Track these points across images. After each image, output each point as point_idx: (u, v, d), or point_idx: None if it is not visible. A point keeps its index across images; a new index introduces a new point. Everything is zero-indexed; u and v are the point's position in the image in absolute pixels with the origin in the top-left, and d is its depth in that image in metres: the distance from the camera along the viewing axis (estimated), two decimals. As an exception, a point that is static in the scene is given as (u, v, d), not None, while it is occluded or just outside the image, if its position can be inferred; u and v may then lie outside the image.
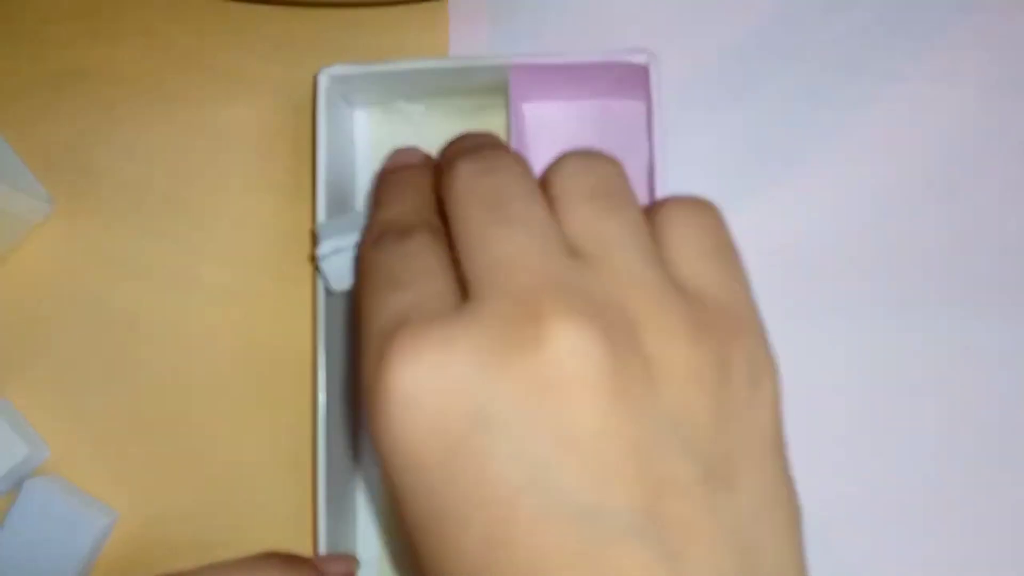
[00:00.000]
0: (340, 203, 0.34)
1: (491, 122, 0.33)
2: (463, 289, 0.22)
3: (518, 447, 0.19)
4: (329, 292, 0.32)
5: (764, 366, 0.22)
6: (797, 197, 0.35)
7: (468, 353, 0.20)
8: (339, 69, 0.32)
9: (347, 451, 0.34)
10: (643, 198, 0.34)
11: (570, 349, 0.19)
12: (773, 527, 0.21)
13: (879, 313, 0.34)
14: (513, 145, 0.32)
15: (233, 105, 0.37)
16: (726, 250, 0.23)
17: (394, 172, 0.29)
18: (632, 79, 0.32)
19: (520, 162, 0.23)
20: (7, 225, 0.35)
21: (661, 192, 0.31)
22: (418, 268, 0.23)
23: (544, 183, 0.23)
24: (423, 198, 0.26)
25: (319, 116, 0.32)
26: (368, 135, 0.36)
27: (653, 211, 0.23)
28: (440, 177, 0.24)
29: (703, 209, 0.23)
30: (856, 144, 0.35)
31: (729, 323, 0.21)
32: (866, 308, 0.34)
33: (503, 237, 0.21)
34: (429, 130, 0.35)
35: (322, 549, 0.31)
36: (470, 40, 0.36)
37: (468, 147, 0.24)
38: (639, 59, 0.31)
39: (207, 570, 0.27)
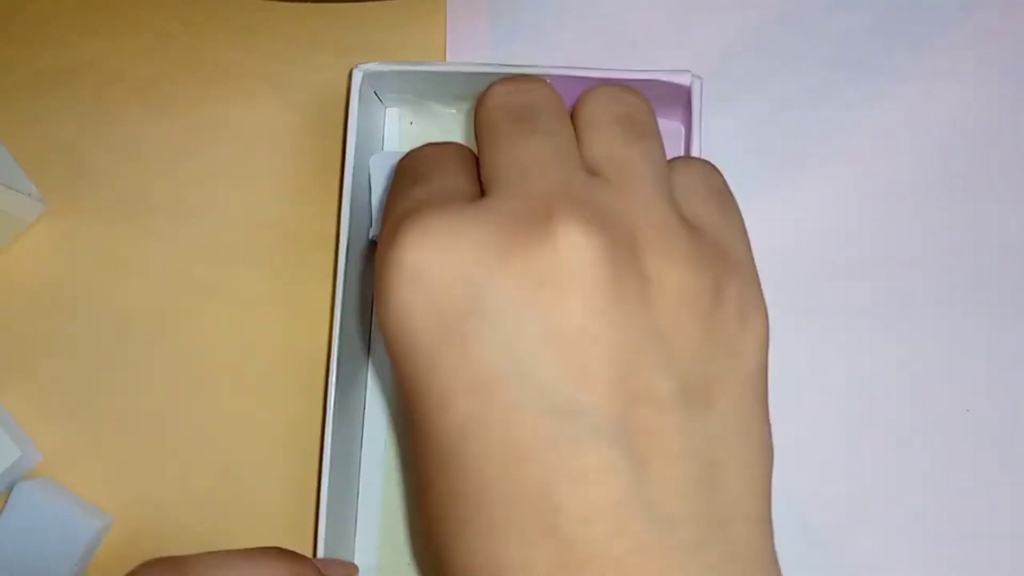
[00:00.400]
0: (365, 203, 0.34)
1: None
2: (483, 194, 0.23)
3: (506, 336, 0.20)
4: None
5: (755, 307, 0.23)
6: (797, 196, 0.35)
7: (475, 242, 0.21)
8: (374, 66, 0.32)
9: (349, 459, 0.33)
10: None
11: (572, 250, 0.20)
12: (740, 455, 0.22)
13: (880, 313, 0.34)
14: None
15: (229, 104, 0.36)
16: (728, 201, 0.24)
17: None
18: (671, 98, 0.32)
19: (553, 90, 0.25)
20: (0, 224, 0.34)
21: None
22: (444, 168, 0.24)
23: (575, 112, 0.24)
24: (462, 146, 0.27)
25: (351, 113, 0.31)
26: (398, 135, 0.35)
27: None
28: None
29: (708, 166, 0.25)
30: (857, 143, 0.35)
31: (726, 260, 0.22)
32: (867, 308, 0.34)
33: (526, 145, 0.23)
34: (459, 134, 0.35)
35: (321, 553, 0.30)
36: (468, 38, 0.36)
37: (503, 78, 0.25)
38: (683, 80, 0.31)
39: (209, 556, 0.27)
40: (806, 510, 0.33)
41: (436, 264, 0.21)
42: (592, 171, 0.22)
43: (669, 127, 0.33)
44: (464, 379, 0.20)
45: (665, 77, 0.31)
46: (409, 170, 0.25)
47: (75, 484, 0.34)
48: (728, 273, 0.22)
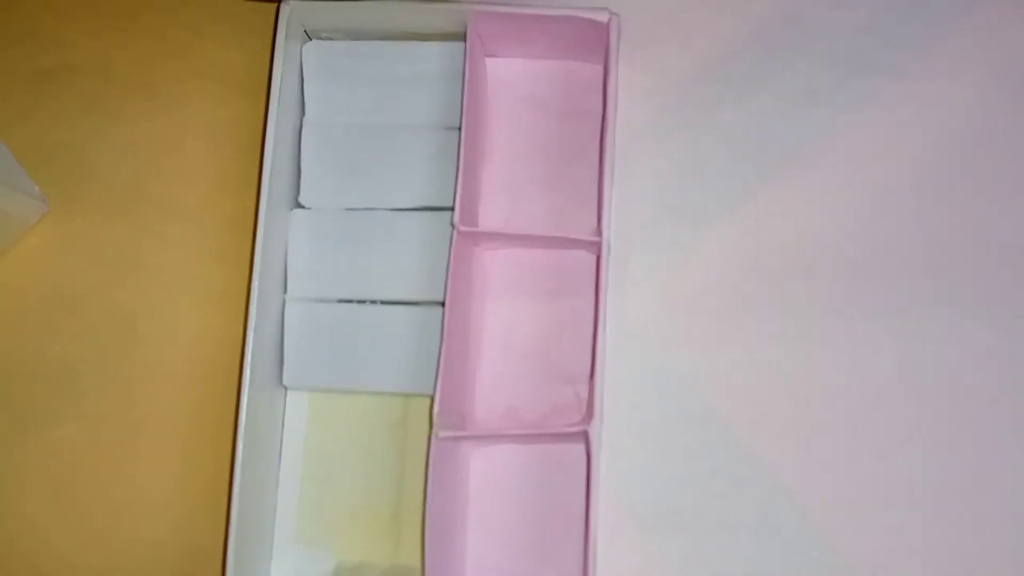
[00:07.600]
0: (292, 157, 0.34)
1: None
2: None
3: None
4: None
5: None
6: (797, 196, 0.34)
7: None
8: (302, 4, 0.32)
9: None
10: (595, 166, 0.33)
11: None
12: None
13: (880, 313, 0.33)
14: (467, 96, 0.31)
15: (225, 102, 0.36)
16: None
17: None
18: (595, 40, 0.31)
19: None
20: (3, 225, 0.34)
21: (610, 160, 0.30)
22: None
23: None
24: None
25: (277, 50, 0.32)
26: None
27: None
28: None
29: None
30: (856, 142, 0.34)
31: None
32: (866, 308, 0.33)
33: None
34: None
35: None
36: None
37: None
38: (601, 17, 0.31)
39: None
40: (806, 510, 0.32)
41: None
42: None
43: (594, 70, 0.33)
44: None
45: (584, 14, 0.30)
46: None
47: (74, 482, 0.34)
48: None
